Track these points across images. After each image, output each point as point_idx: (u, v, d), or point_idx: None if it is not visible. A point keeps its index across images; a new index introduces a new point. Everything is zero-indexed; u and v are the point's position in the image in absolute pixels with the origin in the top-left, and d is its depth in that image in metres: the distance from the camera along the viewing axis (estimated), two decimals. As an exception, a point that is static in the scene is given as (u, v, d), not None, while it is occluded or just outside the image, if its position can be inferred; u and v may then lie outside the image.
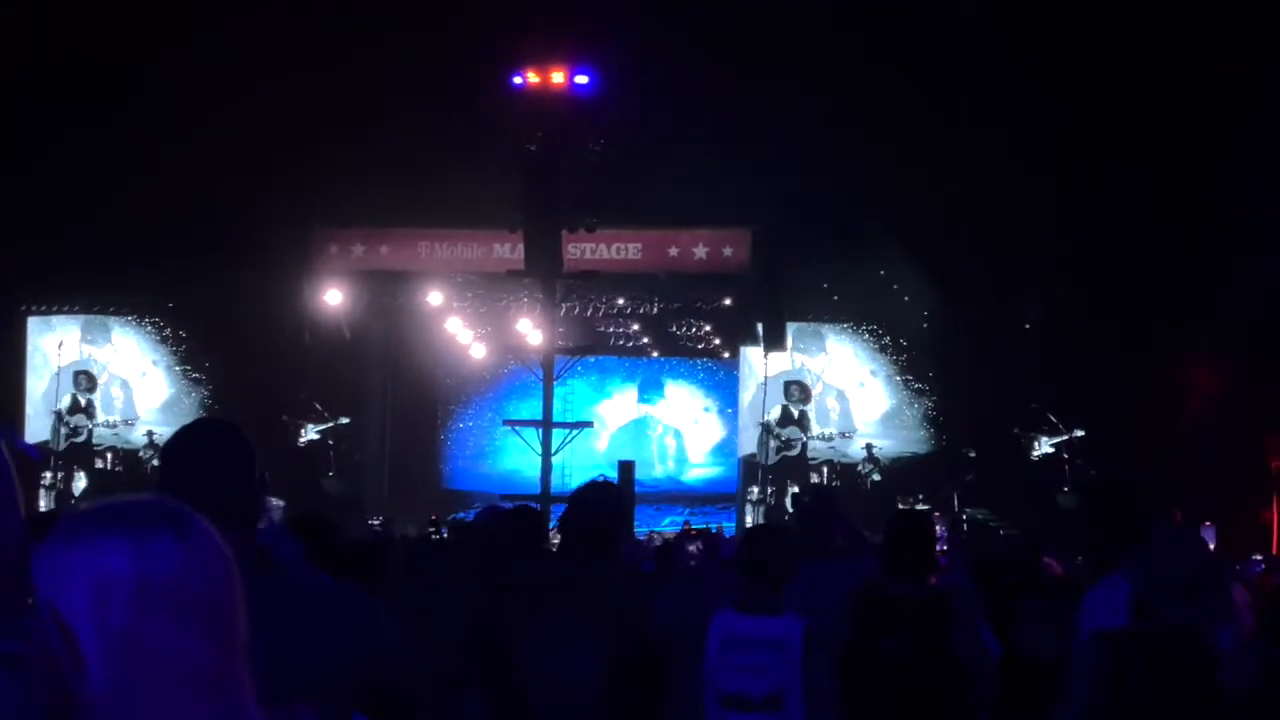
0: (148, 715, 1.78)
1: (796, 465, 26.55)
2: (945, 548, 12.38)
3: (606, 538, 5.43)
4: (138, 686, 1.78)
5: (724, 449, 30.38)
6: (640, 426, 31.14)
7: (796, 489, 24.98)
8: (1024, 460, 25.85)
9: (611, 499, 5.57)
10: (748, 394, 27.42)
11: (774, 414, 26.80)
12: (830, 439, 26.85)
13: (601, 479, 5.44)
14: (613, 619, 5.28)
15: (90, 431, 27.59)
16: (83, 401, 27.52)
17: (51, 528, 1.85)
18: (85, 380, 27.73)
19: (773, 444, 26.61)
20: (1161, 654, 4.65)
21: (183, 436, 3.12)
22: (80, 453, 27.37)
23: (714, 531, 19.12)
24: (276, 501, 11.86)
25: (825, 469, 26.84)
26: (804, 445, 26.72)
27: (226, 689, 1.84)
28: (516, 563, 6.32)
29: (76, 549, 1.80)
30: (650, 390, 31.40)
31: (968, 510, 24.65)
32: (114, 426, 28.06)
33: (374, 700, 2.82)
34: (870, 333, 27.43)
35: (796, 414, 26.78)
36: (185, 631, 1.80)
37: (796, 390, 26.85)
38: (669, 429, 31.31)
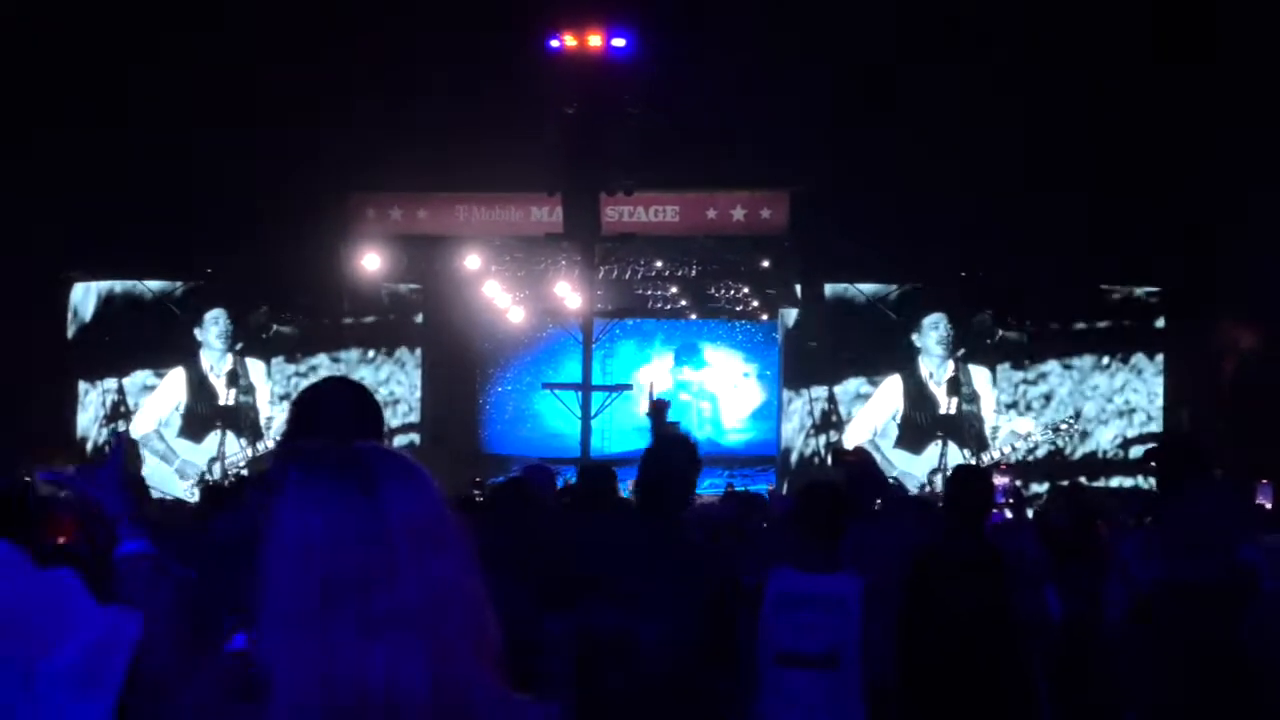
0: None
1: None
2: (1010, 500, 12.31)
3: (688, 488, 5.45)
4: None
5: (763, 411, 30.34)
6: (680, 389, 31.14)
7: (834, 447, 24.98)
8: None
9: (690, 448, 5.59)
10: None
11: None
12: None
13: (675, 431, 5.52)
14: (706, 571, 5.29)
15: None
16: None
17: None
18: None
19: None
20: (1185, 611, 4.61)
21: (320, 392, 3.12)
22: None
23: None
24: None
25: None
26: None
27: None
28: (594, 518, 6.33)
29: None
30: (689, 353, 31.37)
31: None
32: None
33: None
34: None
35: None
36: None
37: None
38: (708, 392, 31.29)
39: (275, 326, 27.55)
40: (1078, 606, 7.40)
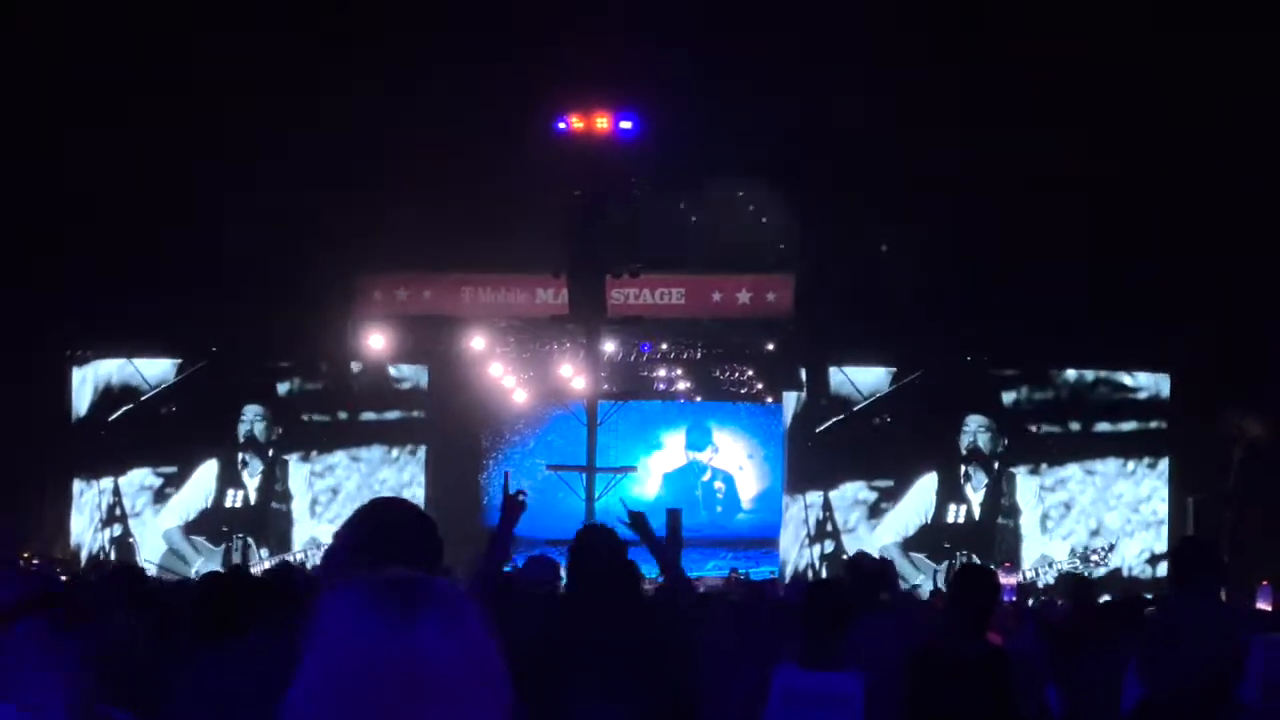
0: None
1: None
2: (1014, 598, 12.25)
3: (625, 581, 5.34)
4: None
5: (767, 494, 30.22)
6: (685, 472, 31.09)
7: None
8: None
9: (615, 542, 5.49)
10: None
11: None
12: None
13: (596, 524, 5.40)
14: (653, 670, 5.22)
15: None
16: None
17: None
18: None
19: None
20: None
21: (378, 515, 3.15)
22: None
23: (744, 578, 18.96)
24: None
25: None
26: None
27: None
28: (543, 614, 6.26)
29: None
30: (695, 435, 31.34)
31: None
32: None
33: None
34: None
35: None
36: None
37: None
38: (716, 474, 31.21)
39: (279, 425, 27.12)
40: (1080, 701, 7.32)
